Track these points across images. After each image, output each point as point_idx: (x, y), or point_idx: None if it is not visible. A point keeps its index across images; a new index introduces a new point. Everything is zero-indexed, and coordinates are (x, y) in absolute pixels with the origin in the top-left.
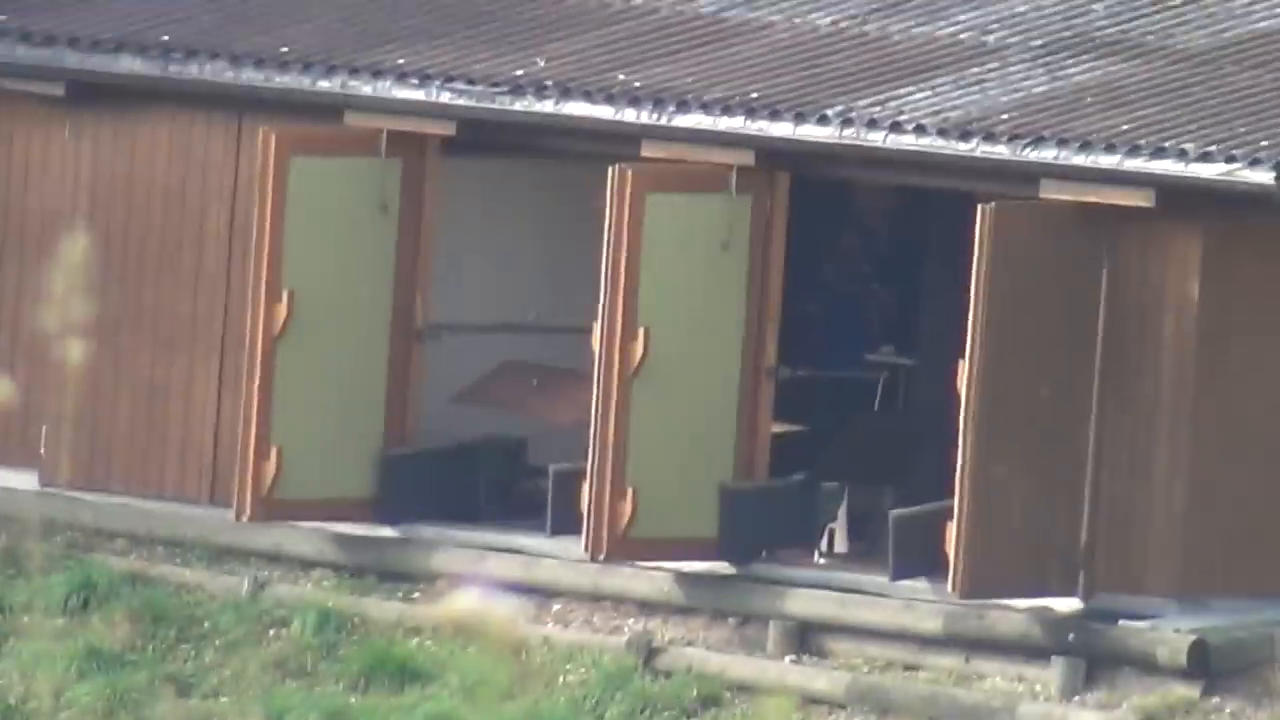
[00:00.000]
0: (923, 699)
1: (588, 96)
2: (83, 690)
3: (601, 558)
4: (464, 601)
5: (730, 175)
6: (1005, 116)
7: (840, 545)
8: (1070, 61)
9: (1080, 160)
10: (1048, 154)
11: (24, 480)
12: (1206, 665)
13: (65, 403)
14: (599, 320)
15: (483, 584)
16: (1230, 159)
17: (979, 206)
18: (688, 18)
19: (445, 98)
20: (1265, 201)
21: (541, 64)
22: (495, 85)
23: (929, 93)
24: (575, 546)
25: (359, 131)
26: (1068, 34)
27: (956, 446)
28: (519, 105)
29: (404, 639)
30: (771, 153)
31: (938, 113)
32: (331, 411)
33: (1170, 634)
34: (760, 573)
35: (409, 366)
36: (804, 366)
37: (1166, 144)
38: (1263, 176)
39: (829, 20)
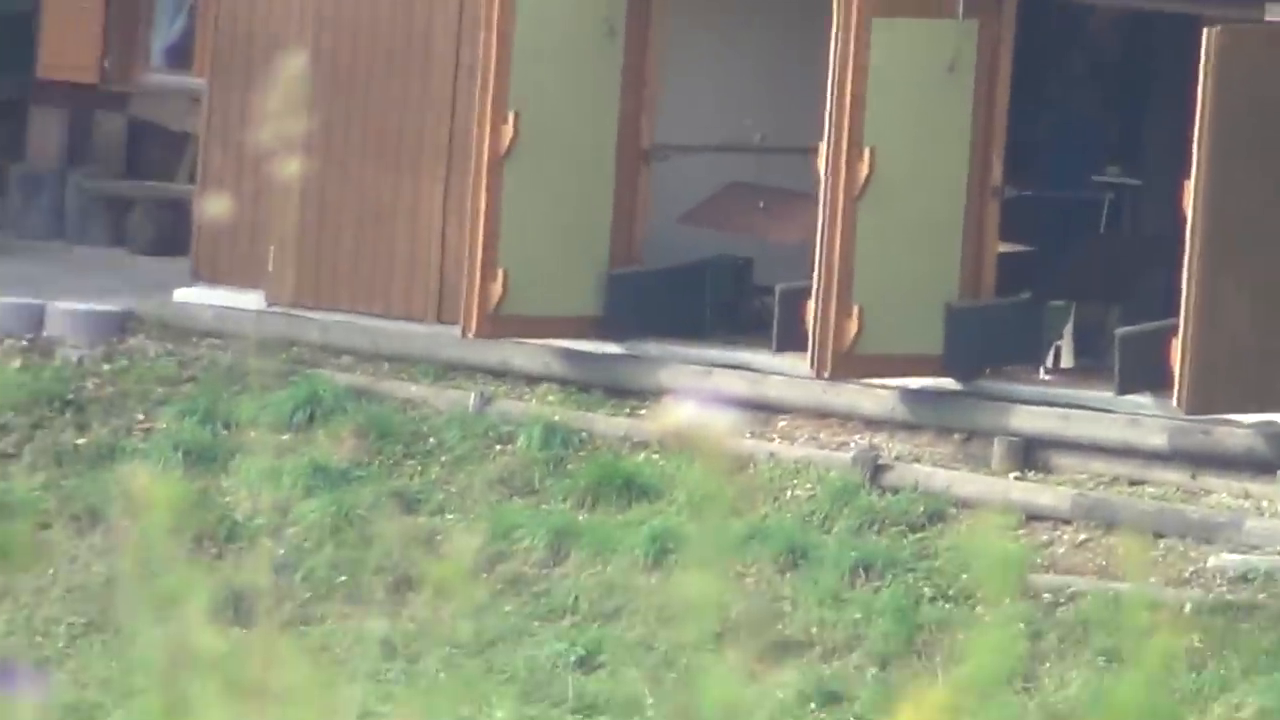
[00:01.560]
0: (1148, 514)
1: None
2: (308, 507)
3: (827, 374)
4: (684, 413)
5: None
6: None
7: (1066, 361)
8: None
9: None
10: None
11: (251, 300)
12: None
13: (291, 222)
14: (825, 140)
15: (706, 398)
16: None
17: (1204, 29)
18: None
19: None
20: None
21: None
22: None
23: None
24: (801, 363)
25: None
26: None
27: (1181, 265)
28: None
29: (630, 454)
30: None
31: None
32: (558, 232)
33: None
34: (985, 389)
35: (636, 187)
36: (1030, 186)
37: None
38: None
39: None
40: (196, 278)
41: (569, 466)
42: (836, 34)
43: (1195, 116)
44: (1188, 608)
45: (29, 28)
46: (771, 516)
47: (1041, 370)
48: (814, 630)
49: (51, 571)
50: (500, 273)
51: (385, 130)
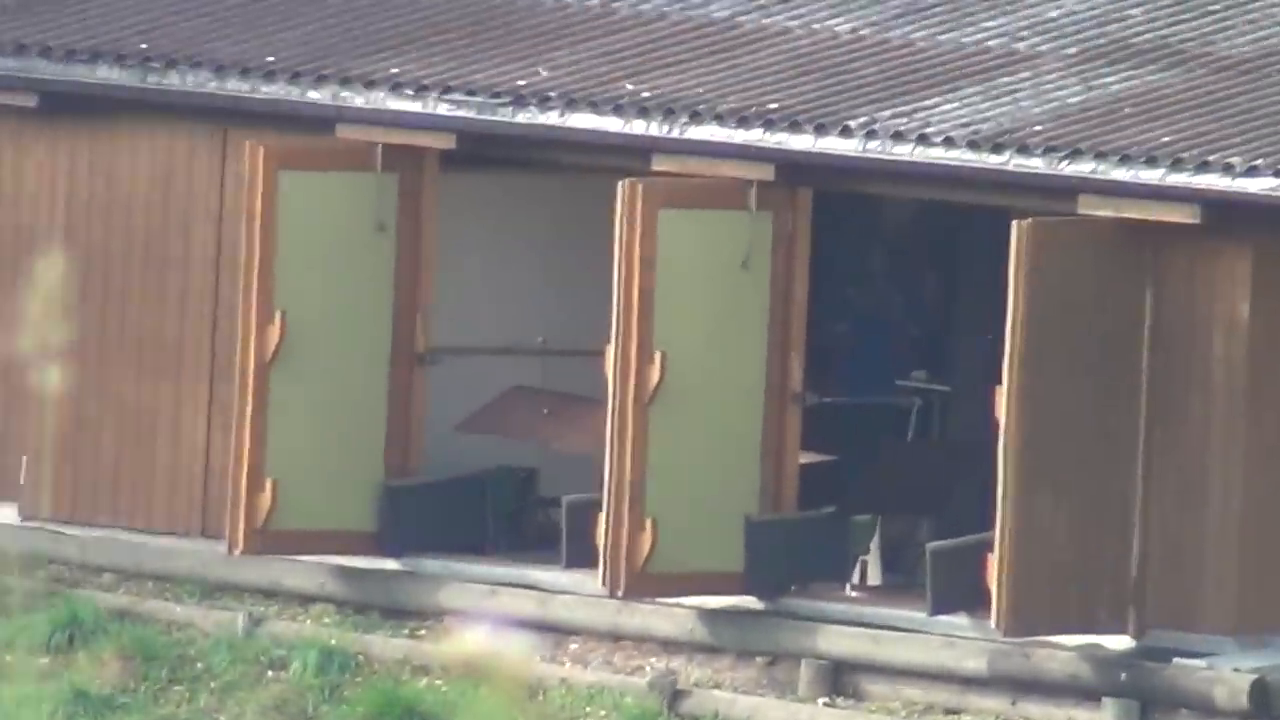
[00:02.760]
0: None
1: (594, 107)
2: None
3: (620, 593)
4: (474, 639)
5: (749, 191)
6: (1039, 128)
7: (874, 578)
8: (1106, 70)
9: (1120, 174)
10: (1085, 167)
11: (3, 514)
12: (1269, 707)
13: (46, 432)
14: (613, 343)
15: (494, 621)
16: (1278, 173)
17: (1014, 223)
18: (698, 24)
19: (443, 109)
20: None
21: (544, 74)
22: (496, 96)
23: (957, 103)
24: (592, 581)
25: (352, 145)
26: (1103, 41)
27: (996, 475)
28: (521, 117)
29: (411, 679)
30: (792, 167)
31: (967, 124)
32: (329, 440)
33: (1229, 673)
34: (789, 608)
35: (411, 392)
36: (833, 392)
37: (1211, 157)
38: None
39: (849, 27)
40: None
41: (346, 693)
42: (621, 227)
43: (1006, 317)
44: None
45: None
46: None
47: (848, 587)
48: None
49: None
50: (269, 483)
51: (144, 332)
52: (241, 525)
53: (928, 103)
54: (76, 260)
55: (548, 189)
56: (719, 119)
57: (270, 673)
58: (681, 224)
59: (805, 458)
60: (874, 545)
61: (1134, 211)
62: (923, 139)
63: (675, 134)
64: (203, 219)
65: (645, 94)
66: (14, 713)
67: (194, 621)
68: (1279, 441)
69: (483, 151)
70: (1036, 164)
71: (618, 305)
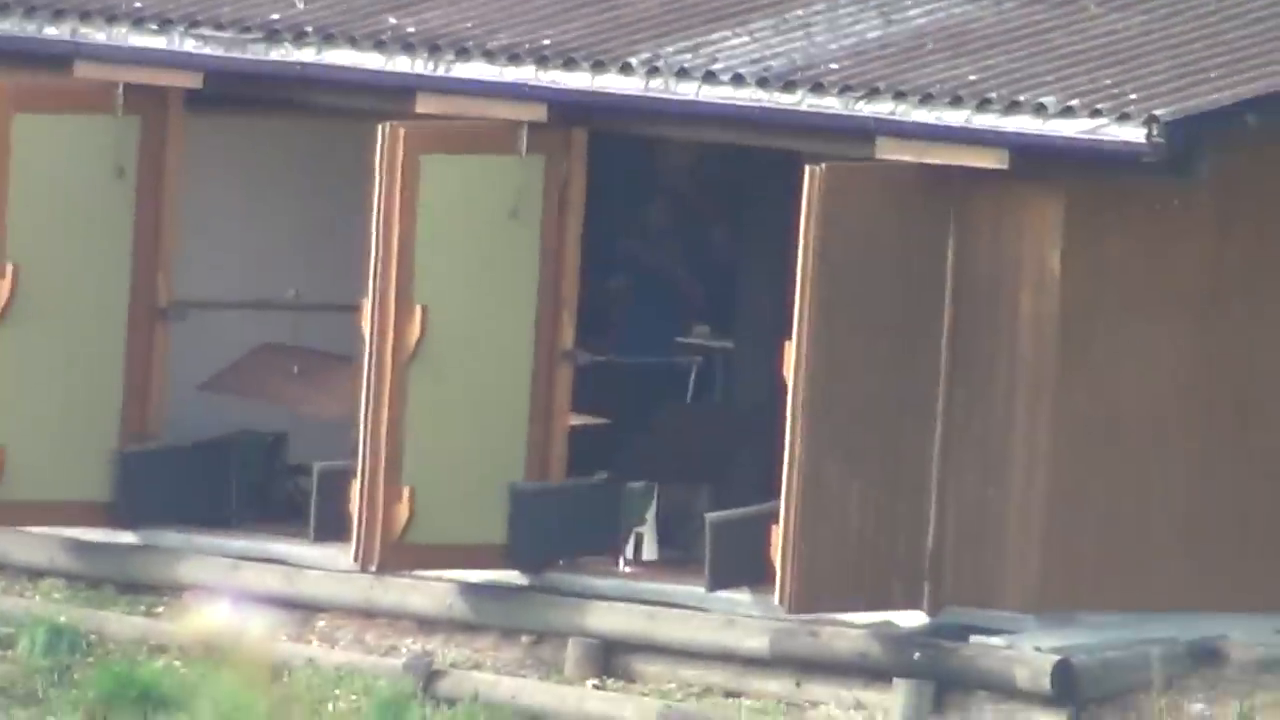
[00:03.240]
0: None
1: (353, 43)
2: None
3: (373, 567)
4: (212, 617)
5: (519, 133)
6: (835, 65)
7: (649, 552)
8: (909, 2)
9: (922, 115)
10: (884, 108)
11: None
12: (1073, 689)
13: None
14: (369, 298)
15: (234, 597)
16: (1095, 113)
17: (806, 168)
18: None
19: (189, 45)
20: (1134, 162)
21: (300, 6)
22: (246, 31)
23: (747, 38)
24: (343, 555)
25: (91, 84)
26: None
27: (782, 441)
28: (274, 54)
29: (148, 659)
30: (567, 107)
31: (757, 61)
32: (61, 402)
33: (1030, 653)
34: (557, 583)
35: (151, 351)
36: (606, 351)
37: (1021, 97)
38: (1132, 133)
39: None
40: None
41: (77, 674)
42: (381, 173)
43: (796, 269)
44: None
45: None
46: None
47: (621, 561)
48: None
49: None
50: None
51: None
52: None
53: (714, 37)
54: None
55: (302, 132)
56: (488, 56)
57: None
58: (446, 169)
59: (576, 420)
60: (650, 516)
61: (937, 156)
62: (709, 76)
63: (440, 72)
64: None
65: (409, 29)
66: None
67: None
68: (1089, 407)
69: (232, 91)
70: (831, 104)
71: (376, 257)
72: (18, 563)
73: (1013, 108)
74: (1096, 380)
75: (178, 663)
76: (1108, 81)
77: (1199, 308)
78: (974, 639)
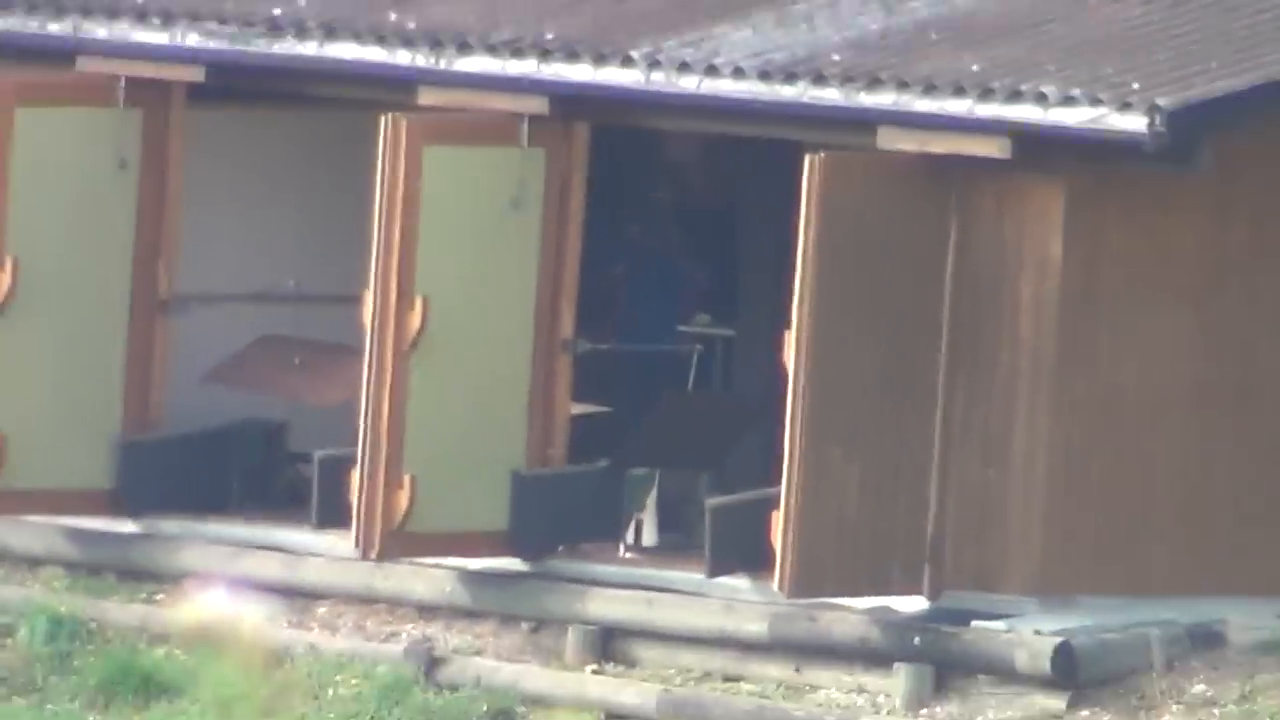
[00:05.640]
0: (746, 714)
1: (356, 37)
2: None
3: (374, 555)
4: (209, 604)
5: (520, 126)
6: (836, 57)
7: (649, 538)
8: None
9: (924, 105)
10: (885, 98)
11: None
12: (1073, 672)
13: None
14: (370, 288)
15: (234, 585)
16: (1096, 103)
17: (806, 156)
18: None
19: (192, 40)
20: (1135, 151)
21: (302, 1)
22: (250, 25)
23: (748, 31)
24: (344, 542)
25: (94, 79)
26: None
27: (782, 427)
28: (277, 47)
29: (148, 648)
30: (568, 100)
31: (758, 54)
32: (63, 393)
33: (1030, 636)
34: (557, 570)
35: (152, 342)
36: (607, 339)
37: (1023, 86)
38: (1133, 123)
39: None
40: None
41: (77, 662)
42: (383, 165)
43: (797, 258)
44: None
45: None
46: (312, 718)
47: (622, 548)
48: None
49: None
50: None
51: None
52: None
53: (716, 30)
54: None
55: (304, 125)
56: (490, 49)
57: None
58: (447, 161)
59: (577, 409)
60: (650, 503)
61: (938, 145)
62: (711, 70)
63: (443, 65)
64: None
65: (411, 23)
66: None
67: None
68: (1088, 394)
69: (235, 85)
70: (832, 95)
71: (377, 248)
72: (18, 551)
73: (1015, 97)
74: (1097, 366)
75: (178, 651)
76: (1109, 71)
77: (1199, 295)
78: (974, 623)
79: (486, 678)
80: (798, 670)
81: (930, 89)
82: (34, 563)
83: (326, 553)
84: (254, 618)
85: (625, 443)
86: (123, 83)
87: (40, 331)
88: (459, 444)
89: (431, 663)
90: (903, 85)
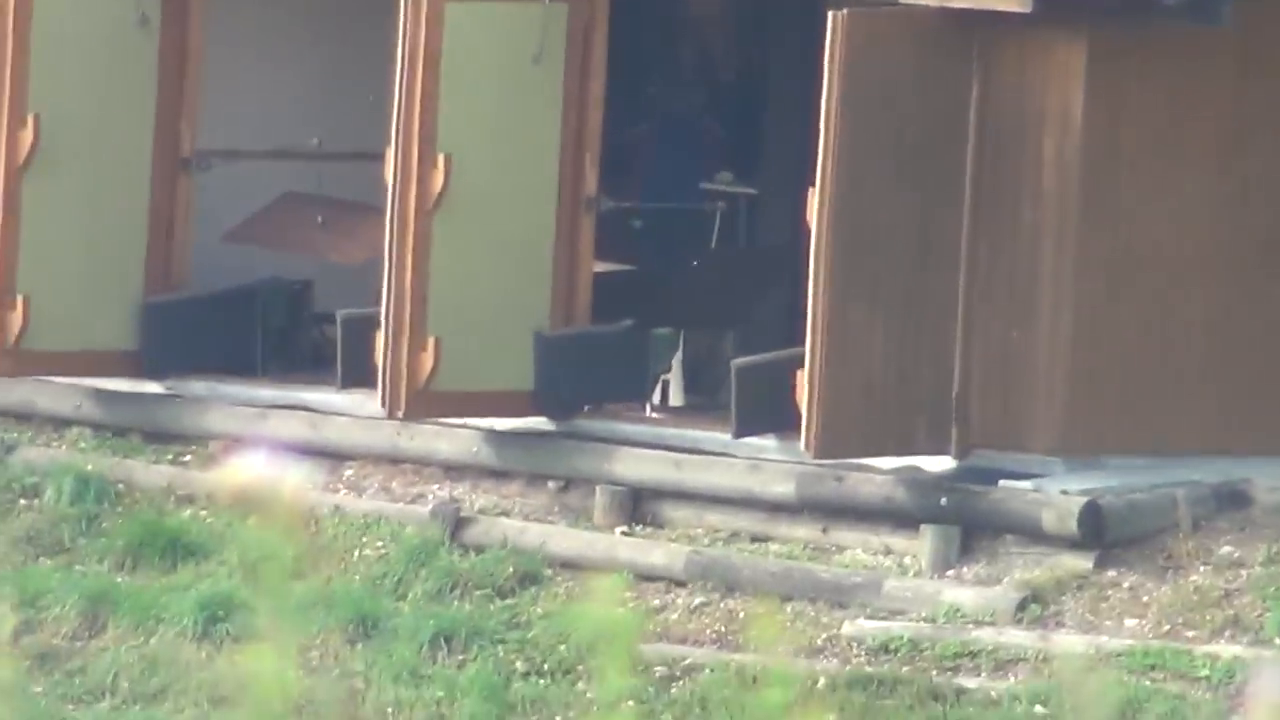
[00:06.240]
0: (773, 575)
1: None
2: None
3: (400, 414)
4: (244, 466)
5: None
6: None
7: (675, 398)
8: None
9: None
10: None
11: None
12: (1100, 532)
13: None
14: (392, 146)
15: (264, 445)
16: None
17: (829, 13)
18: None
19: None
20: (1158, 4)
21: None
22: None
23: None
24: (370, 402)
25: None
26: None
27: (807, 286)
28: None
29: (175, 508)
30: None
31: None
32: (85, 252)
33: (1057, 496)
34: (583, 429)
35: (175, 200)
36: (630, 197)
37: None
38: None
39: None
40: None
41: (105, 523)
42: (404, 21)
43: (820, 112)
44: (821, 682)
45: None
46: (338, 580)
47: (647, 407)
48: (390, 711)
49: None
50: (20, 300)
51: None
52: None
53: None
54: None
55: None
56: None
57: (22, 501)
58: (469, 16)
59: (601, 267)
60: (676, 362)
61: (961, 0)
62: None
63: None
64: None
65: None
66: None
67: None
68: (1112, 251)
69: None
70: None
71: (398, 104)
72: (45, 412)
73: None
74: (1120, 223)
75: (204, 512)
76: None
77: (1223, 151)
78: (1001, 483)
79: (514, 539)
80: (824, 531)
81: None
82: (61, 423)
83: (352, 412)
84: (292, 480)
85: (650, 301)
86: None
87: (63, 190)
88: (483, 303)
89: (458, 523)
90: None
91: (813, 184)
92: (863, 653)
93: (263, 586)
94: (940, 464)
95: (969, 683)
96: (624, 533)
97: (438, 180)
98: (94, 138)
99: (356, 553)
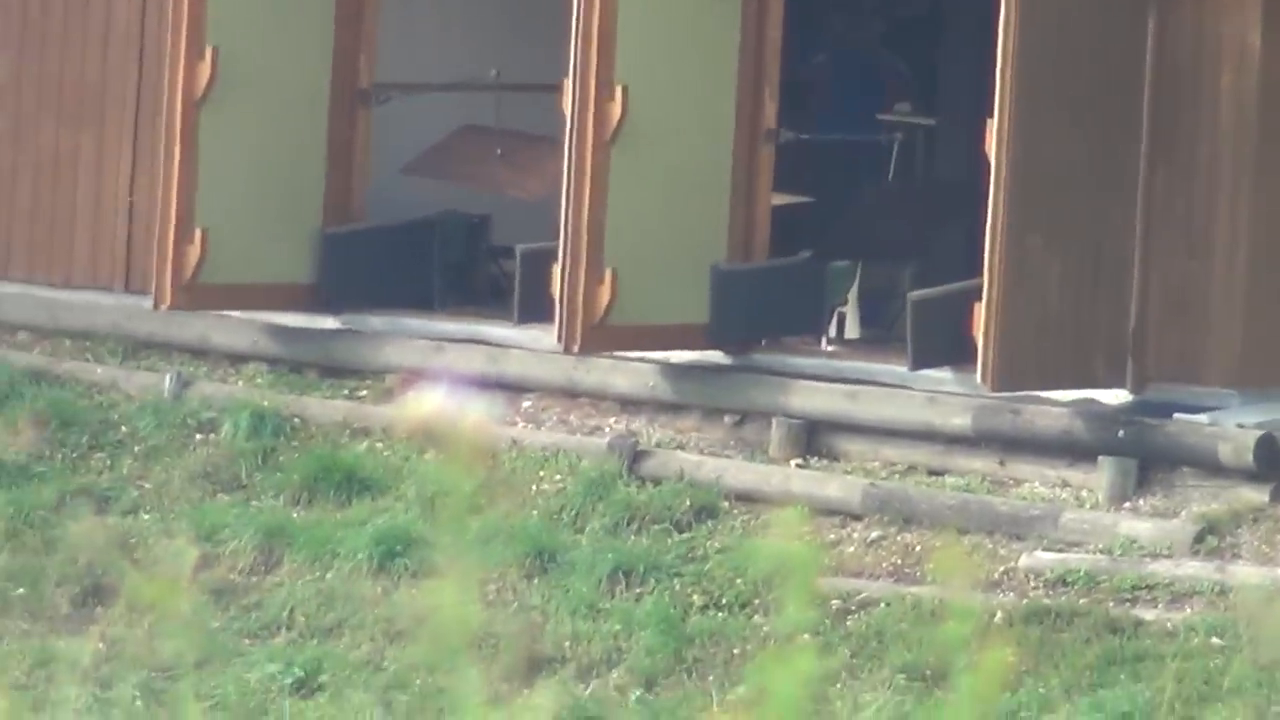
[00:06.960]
0: (950, 508)
1: None
2: None
3: (576, 348)
4: (424, 399)
5: None
6: None
7: (851, 331)
8: None
9: None
10: None
11: None
12: (1276, 464)
13: None
14: (569, 77)
15: (443, 379)
16: None
17: None
18: None
19: None
20: None
21: None
22: None
23: None
24: (546, 336)
25: None
26: None
27: (984, 218)
28: None
29: (351, 443)
30: None
31: None
32: (264, 185)
33: (1233, 429)
34: (759, 363)
35: (353, 133)
36: (808, 129)
37: None
38: None
39: None
40: None
41: (280, 458)
42: None
43: (998, 44)
44: (998, 616)
45: None
46: (516, 514)
47: (824, 341)
48: (568, 645)
49: None
50: (198, 234)
51: (63, 74)
52: (169, 279)
53: None
54: None
55: None
56: None
57: (199, 436)
58: None
59: (778, 199)
60: (852, 295)
61: None
62: None
63: None
64: None
65: None
66: None
67: (116, 383)
68: None
69: None
70: None
71: (576, 36)
72: (220, 347)
73: None
74: None
75: (381, 445)
76: None
77: None
78: (1177, 416)
79: (690, 472)
80: (1001, 464)
81: None
82: (237, 359)
83: (529, 346)
84: (473, 413)
85: (827, 234)
86: None
87: (241, 123)
88: (660, 236)
89: (635, 457)
90: None
91: (990, 115)
92: (1040, 585)
93: (441, 521)
94: (1116, 397)
95: (1146, 615)
96: (799, 466)
97: (615, 112)
98: (272, 71)
99: (534, 486)
